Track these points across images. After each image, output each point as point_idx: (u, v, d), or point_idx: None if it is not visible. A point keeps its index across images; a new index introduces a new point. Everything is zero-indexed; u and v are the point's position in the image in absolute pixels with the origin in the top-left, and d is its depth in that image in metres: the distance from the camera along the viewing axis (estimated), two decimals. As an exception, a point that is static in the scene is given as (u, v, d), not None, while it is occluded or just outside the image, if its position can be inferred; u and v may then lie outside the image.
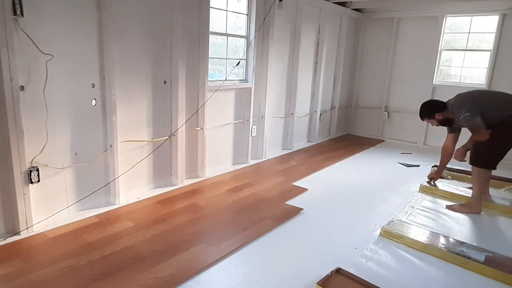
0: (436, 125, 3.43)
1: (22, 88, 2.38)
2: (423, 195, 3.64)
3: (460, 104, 3.14)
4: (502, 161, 3.14)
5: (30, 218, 2.52)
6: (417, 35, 5.79)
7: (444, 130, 5.58)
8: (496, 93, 3.31)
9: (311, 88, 5.58)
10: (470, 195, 3.36)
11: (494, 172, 3.27)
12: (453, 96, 3.32)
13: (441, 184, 3.84)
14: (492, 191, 3.55)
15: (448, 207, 3.33)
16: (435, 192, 3.66)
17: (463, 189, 3.66)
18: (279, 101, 4.97)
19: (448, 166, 4.47)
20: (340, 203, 3.37)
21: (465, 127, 3.23)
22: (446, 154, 3.62)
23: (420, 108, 3.43)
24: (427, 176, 3.89)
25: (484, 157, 3.12)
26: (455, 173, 4.21)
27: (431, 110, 3.33)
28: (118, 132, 2.97)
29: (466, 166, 4.54)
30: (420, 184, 3.79)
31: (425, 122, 5.60)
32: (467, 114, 3.04)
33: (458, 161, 3.42)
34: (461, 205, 3.32)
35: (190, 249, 2.42)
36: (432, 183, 3.80)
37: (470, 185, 3.80)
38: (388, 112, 6.25)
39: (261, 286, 2.08)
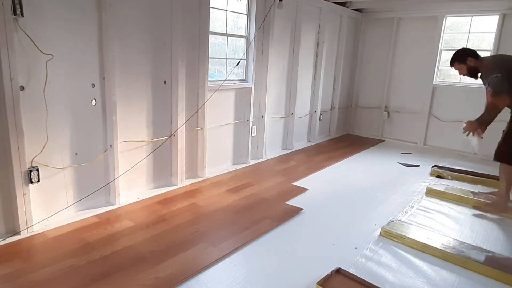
0: (464, 74, 3.29)
1: (22, 88, 2.38)
2: (428, 197, 3.57)
3: (494, 66, 3.04)
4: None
5: (30, 218, 2.52)
6: (417, 35, 5.78)
7: (444, 130, 5.62)
8: None
9: (311, 88, 5.58)
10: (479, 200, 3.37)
11: (493, 172, 3.26)
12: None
13: (446, 183, 3.83)
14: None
15: (475, 207, 3.29)
16: (442, 195, 3.56)
17: (467, 191, 3.61)
18: (279, 101, 4.97)
19: (448, 166, 4.50)
20: (340, 203, 3.37)
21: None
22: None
23: (453, 54, 3.32)
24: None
25: (508, 153, 3.08)
26: (455, 173, 4.21)
27: (465, 53, 3.23)
28: (118, 132, 2.97)
29: (466, 166, 4.55)
30: (427, 187, 3.71)
31: (425, 122, 5.73)
32: (498, 75, 2.94)
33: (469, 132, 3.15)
34: (487, 205, 3.27)
35: (190, 249, 2.42)
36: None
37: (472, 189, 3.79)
38: (388, 112, 6.25)
39: (261, 286, 2.08)
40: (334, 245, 2.59)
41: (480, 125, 3.03)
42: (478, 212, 3.24)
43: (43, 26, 2.44)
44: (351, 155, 5.10)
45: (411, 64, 5.89)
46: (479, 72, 3.18)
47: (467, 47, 3.39)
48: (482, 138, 3.08)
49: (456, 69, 3.33)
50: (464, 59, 3.21)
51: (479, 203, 3.34)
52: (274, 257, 2.40)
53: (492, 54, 3.21)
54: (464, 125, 3.10)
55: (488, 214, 3.19)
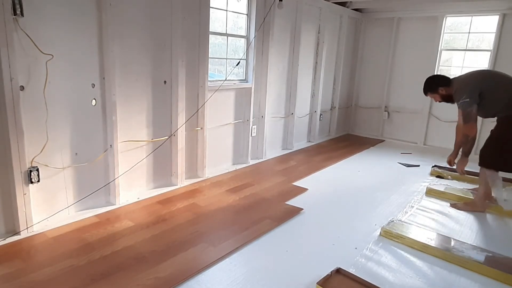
0: (439, 101, 3.35)
1: (22, 88, 2.38)
2: (428, 197, 3.57)
3: (462, 89, 3.06)
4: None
5: (30, 218, 2.52)
6: (417, 35, 5.78)
7: (444, 130, 5.62)
8: (506, 78, 3.17)
9: (311, 88, 5.58)
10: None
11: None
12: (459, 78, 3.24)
13: (446, 183, 3.84)
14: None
15: (452, 205, 3.35)
16: (442, 195, 3.57)
17: (467, 191, 3.61)
18: (279, 101, 4.97)
19: (448, 166, 4.48)
20: (340, 203, 3.37)
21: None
22: (460, 132, 3.34)
23: (425, 83, 3.36)
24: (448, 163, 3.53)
25: (491, 159, 3.10)
26: (455, 173, 4.20)
27: (435, 84, 3.27)
28: (118, 132, 2.97)
29: (466, 166, 4.54)
30: (427, 187, 3.72)
31: (425, 122, 5.73)
32: (467, 100, 2.98)
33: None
34: (465, 204, 3.33)
35: (190, 249, 2.42)
36: (452, 165, 3.47)
37: (475, 187, 3.79)
38: (388, 112, 6.25)
39: (261, 286, 2.08)
40: (334, 245, 2.59)
41: (466, 159, 3.23)
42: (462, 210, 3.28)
43: (43, 26, 2.44)
44: (351, 155, 5.10)
45: (411, 64, 5.89)
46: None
47: (437, 74, 3.48)
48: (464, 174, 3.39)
49: (430, 97, 3.42)
50: (436, 89, 3.26)
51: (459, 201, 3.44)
52: (274, 257, 2.40)
53: (466, 72, 3.28)
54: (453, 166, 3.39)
55: (466, 212, 3.23)
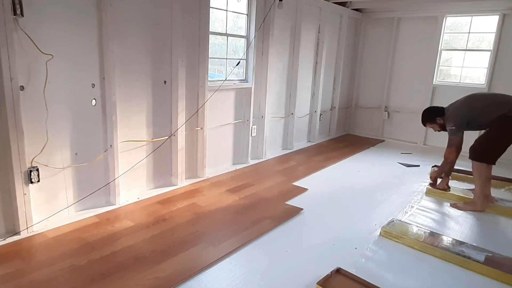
0: (438, 130, 3.55)
1: (22, 88, 2.38)
2: (428, 197, 3.57)
3: (451, 117, 3.30)
4: (502, 161, 3.14)
5: (30, 218, 2.52)
6: (417, 35, 5.79)
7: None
8: (492, 96, 3.47)
9: (311, 88, 5.58)
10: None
11: (494, 172, 3.27)
12: (453, 97, 3.42)
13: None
14: (492, 191, 3.54)
15: (452, 205, 3.35)
16: (442, 195, 3.57)
17: (467, 191, 3.61)
18: (279, 101, 4.97)
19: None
20: (340, 203, 3.37)
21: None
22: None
23: (422, 114, 3.59)
24: (430, 178, 3.83)
25: (483, 151, 3.15)
26: (455, 173, 4.20)
27: (433, 114, 3.49)
28: (118, 132, 2.97)
29: (465, 166, 4.55)
30: (427, 188, 3.73)
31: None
32: (453, 128, 3.26)
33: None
34: (465, 204, 3.34)
35: (190, 249, 2.42)
36: (435, 184, 3.70)
37: (473, 187, 3.81)
38: (388, 112, 6.25)
39: (261, 286, 2.08)
40: (334, 245, 2.59)
41: (448, 178, 3.58)
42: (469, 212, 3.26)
43: (43, 26, 2.43)
44: (351, 155, 5.10)
45: (411, 64, 5.89)
46: None
47: (432, 106, 3.85)
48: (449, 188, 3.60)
49: (429, 127, 3.65)
50: (434, 119, 3.49)
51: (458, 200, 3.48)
52: (274, 257, 2.40)
53: (457, 100, 3.47)
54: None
55: (467, 212, 3.24)
